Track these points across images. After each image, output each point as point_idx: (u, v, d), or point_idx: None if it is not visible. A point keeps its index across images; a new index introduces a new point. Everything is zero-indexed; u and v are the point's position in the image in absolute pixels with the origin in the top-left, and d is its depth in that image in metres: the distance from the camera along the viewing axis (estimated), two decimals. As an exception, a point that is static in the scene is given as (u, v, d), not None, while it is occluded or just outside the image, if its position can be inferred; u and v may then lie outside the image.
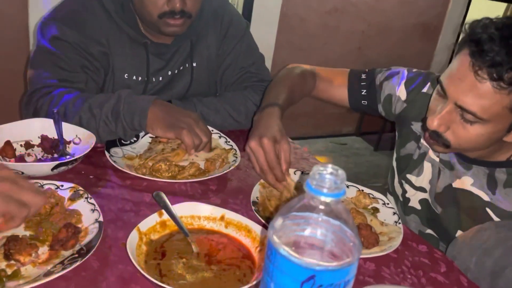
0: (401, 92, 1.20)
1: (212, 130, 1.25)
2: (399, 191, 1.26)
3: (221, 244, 0.82)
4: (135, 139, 1.19)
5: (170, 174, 1.05)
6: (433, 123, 0.96)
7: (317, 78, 1.30)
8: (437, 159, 1.14)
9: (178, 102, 1.29)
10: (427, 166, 1.17)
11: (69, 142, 1.10)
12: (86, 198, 0.89)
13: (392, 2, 3.70)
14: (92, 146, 1.04)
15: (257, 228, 0.84)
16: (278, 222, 0.48)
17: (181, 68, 1.38)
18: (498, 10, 4.12)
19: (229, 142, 1.21)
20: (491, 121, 0.91)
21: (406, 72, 1.21)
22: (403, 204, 1.25)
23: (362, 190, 1.09)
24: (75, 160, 1.00)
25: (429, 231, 1.20)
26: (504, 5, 4.17)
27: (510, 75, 0.85)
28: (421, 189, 1.19)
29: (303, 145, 1.26)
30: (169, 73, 1.36)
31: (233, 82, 1.42)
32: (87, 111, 1.11)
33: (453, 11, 3.89)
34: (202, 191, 1.03)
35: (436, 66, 4.10)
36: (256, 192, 1.01)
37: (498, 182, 1.04)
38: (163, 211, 0.84)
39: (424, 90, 1.16)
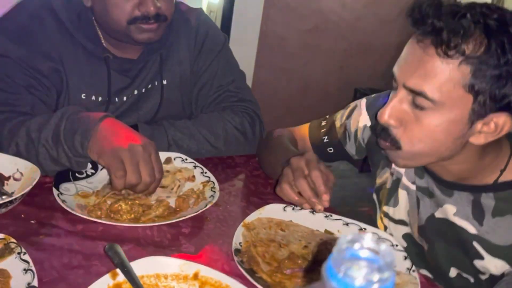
0: (365, 119, 1.07)
1: (186, 159, 1.06)
2: (381, 227, 1.07)
3: (194, 314, 0.63)
4: (92, 171, 1.00)
5: (132, 216, 0.85)
6: (384, 114, 0.81)
7: (296, 138, 1.18)
8: (413, 187, 0.97)
9: (145, 126, 1.11)
10: (402, 194, 1.00)
11: (8, 178, 0.90)
12: (19, 253, 0.68)
13: (373, 21, 3.63)
14: (35, 182, 0.84)
15: (241, 289, 0.65)
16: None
17: (149, 86, 1.19)
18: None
19: (205, 173, 1.02)
20: (445, 105, 0.76)
21: (364, 100, 1.10)
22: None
23: (365, 229, 0.92)
24: (12, 201, 0.80)
25: (422, 271, 1.00)
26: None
27: (455, 41, 0.71)
28: (401, 222, 1.01)
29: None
30: (135, 92, 1.18)
31: (210, 103, 1.24)
32: (24, 137, 0.91)
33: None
34: (172, 237, 0.84)
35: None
36: (239, 237, 0.82)
37: (485, 210, 0.86)
38: (118, 270, 0.64)
39: (370, 128, 1.03)
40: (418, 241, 1.00)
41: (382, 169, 1.06)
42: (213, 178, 1.00)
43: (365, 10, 3.58)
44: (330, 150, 1.14)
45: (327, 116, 1.17)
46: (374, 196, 1.11)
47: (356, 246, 0.27)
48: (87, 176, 0.98)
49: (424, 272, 1.00)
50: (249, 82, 3.09)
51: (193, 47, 1.23)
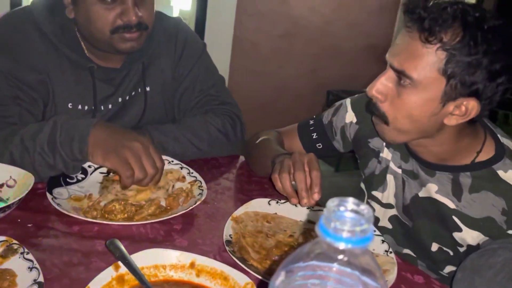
0: (351, 116, 1.18)
1: (172, 161, 1.11)
2: None
3: (193, 298, 0.68)
4: (82, 176, 1.03)
5: (125, 215, 0.90)
6: (371, 89, 0.93)
7: (282, 137, 1.27)
8: (399, 171, 1.08)
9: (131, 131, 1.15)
10: (390, 179, 1.10)
11: (2, 185, 0.93)
12: (22, 253, 0.72)
13: (342, 24, 3.74)
14: (30, 188, 0.88)
15: (234, 274, 0.71)
16: (280, 278, 0.35)
17: (133, 93, 1.24)
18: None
19: (192, 173, 1.07)
20: (421, 84, 0.87)
21: (348, 100, 1.21)
22: (374, 225, 1.16)
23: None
24: (8, 206, 0.83)
25: (406, 250, 1.10)
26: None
27: (435, 29, 0.83)
28: (388, 206, 1.11)
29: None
30: (120, 99, 1.22)
31: (192, 107, 1.29)
32: (18, 145, 0.94)
33: (399, 31, 3.99)
34: (165, 233, 0.89)
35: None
36: (229, 229, 0.87)
37: (463, 188, 0.97)
38: (120, 262, 0.69)
39: (365, 107, 1.11)
40: (403, 221, 1.10)
41: (370, 159, 1.16)
42: (200, 178, 1.05)
43: (333, 15, 3.70)
44: (319, 146, 1.23)
45: (314, 116, 1.27)
46: (362, 185, 1.21)
47: (341, 208, 0.33)
48: (78, 180, 1.01)
49: (408, 251, 1.11)
50: (225, 87, 3.15)
51: (174, 54, 1.28)
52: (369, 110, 0.99)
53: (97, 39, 1.10)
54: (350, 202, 0.33)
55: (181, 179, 1.05)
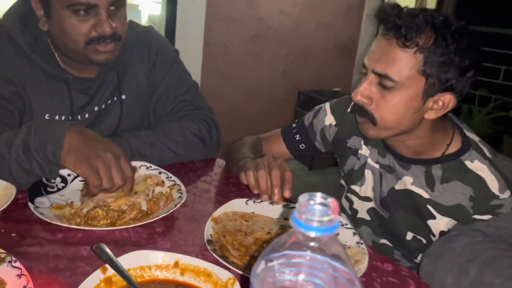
0: (330, 119, 1.28)
1: (150, 166, 1.14)
2: (346, 204, 1.27)
3: (179, 295, 0.72)
4: (63, 184, 1.06)
5: (108, 220, 0.93)
6: (356, 95, 1.02)
7: (263, 143, 1.34)
8: (377, 166, 1.17)
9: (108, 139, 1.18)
10: (368, 174, 1.19)
11: (-17, 197, 0.94)
12: (10, 261, 0.74)
13: (311, 25, 3.83)
14: (12, 198, 0.89)
15: (217, 271, 0.75)
16: (260, 267, 0.40)
17: (109, 102, 1.26)
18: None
19: (171, 177, 1.11)
20: (404, 85, 0.97)
21: (328, 104, 1.30)
22: (352, 217, 1.26)
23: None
24: (-8, 217, 0.85)
25: (382, 240, 1.19)
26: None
27: (411, 35, 0.93)
28: (367, 199, 1.21)
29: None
30: (96, 108, 1.24)
31: (167, 113, 1.32)
32: None
33: (365, 31, 4.11)
34: (148, 236, 0.92)
35: (356, 85, 4.29)
36: (209, 229, 0.92)
37: (435, 179, 1.07)
38: (107, 265, 0.72)
39: (349, 110, 1.21)
40: (380, 213, 1.19)
41: (348, 157, 1.25)
42: (178, 181, 1.09)
43: (302, 16, 3.77)
44: (302, 146, 1.32)
45: (296, 120, 1.36)
46: (342, 181, 1.30)
47: (311, 202, 0.38)
48: (59, 189, 1.04)
49: (385, 241, 1.20)
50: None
51: (147, 62, 1.31)
52: (355, 113, 1.07)
53: (71, 50, 1.12)
54: (318, 196, 0.38)
55: (160, 184, 1.08)
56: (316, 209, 0.37)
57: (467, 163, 1.05)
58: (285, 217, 1.04)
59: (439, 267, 0.84)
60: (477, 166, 1.04)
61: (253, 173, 1.00)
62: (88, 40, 1.09)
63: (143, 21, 4.06)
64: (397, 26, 0.95)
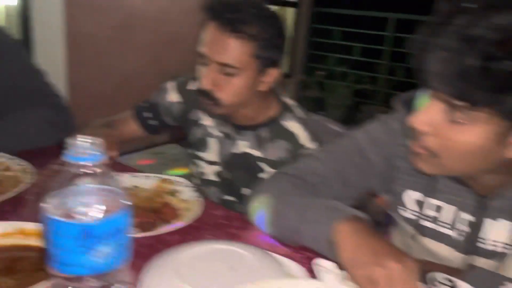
0: (174, 97, 1.42)
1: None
2: (195, 169, 1.45)
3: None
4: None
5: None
6: (204, 83, 1.17)
7: (115, 124, 1.43)
8: (218, 133, 1.37)
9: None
10: (211, 141, 1.38)
11: None
12: None
13: (177, 12, 3.92)
14: None
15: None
16: (50, 197, 0.53)
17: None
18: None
19: (22, 163, 1.17)
20: (243, 69, 1.15)
21: (172, 82, 1.44)
22: (200, 179, 1.44)
23: (164, 178, 1.19)
24: None
25: (229, 197, 1.39)
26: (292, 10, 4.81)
27: (242, 26, 1.12)
28: (213, 163, 1.40)
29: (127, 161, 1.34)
30: None
31: (15, 101, 1.36)
32: None
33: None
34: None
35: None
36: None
37: (263, 140, 1.30)
38: None
39: (189, 87, 1.39)
40: (225, 175, 1.38)
41: (193, 128, 1.41)
42: (28, 164, 1.15)
43: (169, 2, 3.84)
44: (153, 122, 1.45)
45: (145, 99, 1.47)
46: (190, 150, 1.45)
47: (79, 142, 0.52)
48: None
49: (230, 197, 1.40)
50: (63, 83, 3.10)
51: None
52: (203, 96, 1.21)
53: None
54: (83, 138, 0.52)
55: (7, 169, 1.14)
56: (83, 145, 0.51)
57: (285, 123, 1.28)
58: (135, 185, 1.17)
59: (254, 206, 1.04)
60: (292, 125, 1.28)
61: None
62: None
63: (-1, 12, 3.79)
64: (229, 20, 1.12)
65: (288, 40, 4.88)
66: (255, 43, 1.14)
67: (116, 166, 1.29)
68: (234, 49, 1.13)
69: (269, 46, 1.16)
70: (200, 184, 1.44)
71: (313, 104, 4.93)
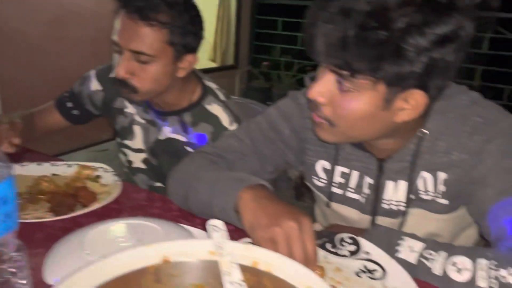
0: (96, 85, 1.40)
1: None
2: (123, 158, 1.44)
3: None
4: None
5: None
6: (119, 72, 1.15)
7: (36, 115, 1.41)
8: (143, 121, 1.36)
9: None
10: (136, 129, 1.38)
11: None
12: None
13: (115, 6, 3.83)
14: None
15: None
16: None
17: None
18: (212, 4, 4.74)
19: None
20: (158, 56, 1.15)
21: (93, 71, 1.43)
22: (128, 167, 1.44)
23: (83, 165, 1.19)
24: None
25: (157, 184, 1.39)
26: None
27: (153, 14, 1.11)
28: (139, 151, 1.39)
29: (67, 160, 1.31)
30: None
31: None
32: None
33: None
34: None
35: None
36: None
37: (187, 124, 1.30)
38: None
39: (112, 75, 1.36)
40: (152, 162, 1.38)
41: (117, 117, 1.40)
42: None
43: (104, -4, 3.75)
44: (76, 112, 1.44)
45: (67, 90, 1.44)
46: (117, 139, 1.44)
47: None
48: None
49: (159, 184, 1.40)
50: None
51: None
52: (120, 85, 1.19)
53: None
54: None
55: None
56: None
57: (207, 106, 1.30)
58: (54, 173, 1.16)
59: (172, 184, 1.06)
60: (214, 108, 1.30)
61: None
62: None
63: None
64: (139, 8, 1.11)
65: (214, 28, 4.81)
66: (168, 30, 1.14)
67: (37, 156, 1.27)
68: (146, 37, 1.12)
69: (184, 32, 1.16)
70: (129, 172, 1.43)
71: (260, 94, 4.98)
